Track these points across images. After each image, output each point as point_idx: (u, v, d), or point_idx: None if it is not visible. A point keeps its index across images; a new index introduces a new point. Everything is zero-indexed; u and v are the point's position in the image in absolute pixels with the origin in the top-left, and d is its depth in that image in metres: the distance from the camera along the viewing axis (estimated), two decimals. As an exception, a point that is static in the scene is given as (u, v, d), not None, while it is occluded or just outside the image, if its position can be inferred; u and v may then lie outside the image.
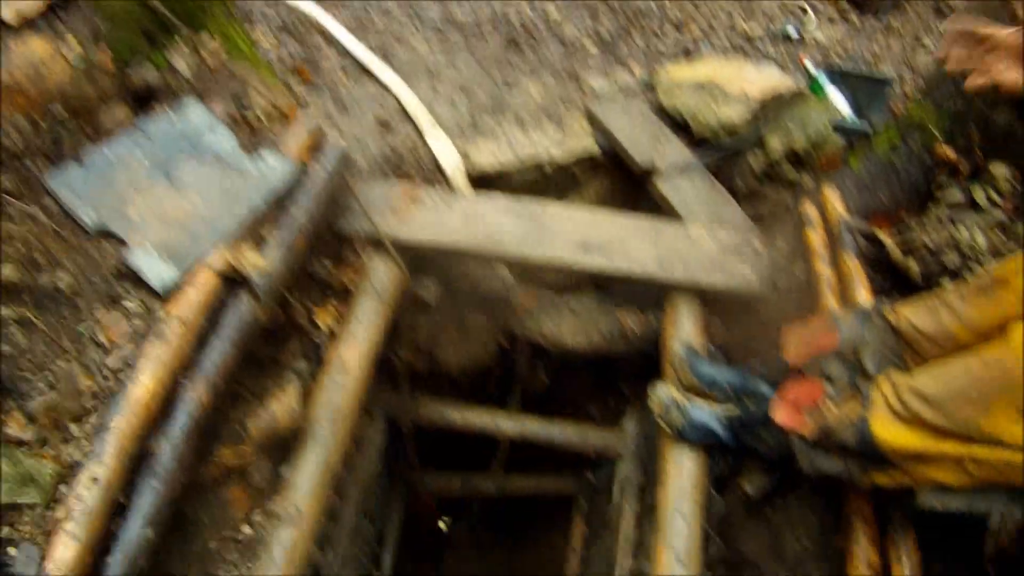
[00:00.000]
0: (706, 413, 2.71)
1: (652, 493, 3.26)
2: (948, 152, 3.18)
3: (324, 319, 3.13)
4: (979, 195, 3.05)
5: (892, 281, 3.13)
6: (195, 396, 2.28)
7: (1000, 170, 3.02)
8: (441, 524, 6.21)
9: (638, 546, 3.46)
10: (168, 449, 2.16)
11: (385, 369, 3.67)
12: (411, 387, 3.84)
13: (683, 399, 2.75)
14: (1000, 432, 1.85)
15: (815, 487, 2.89)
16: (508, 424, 3.92)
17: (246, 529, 2.46)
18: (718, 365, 2.90)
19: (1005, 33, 1.93)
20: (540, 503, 5.76)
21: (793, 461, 2.43)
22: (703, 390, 2.83)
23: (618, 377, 4.33)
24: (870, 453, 2.17)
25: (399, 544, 5.07)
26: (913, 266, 3.00)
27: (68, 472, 2.05)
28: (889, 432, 2.10)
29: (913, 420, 2.04)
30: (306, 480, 2.56)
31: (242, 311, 2.49)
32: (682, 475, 2.71)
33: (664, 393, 2.76)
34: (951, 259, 2.92)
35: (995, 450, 1.90)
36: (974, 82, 1.98)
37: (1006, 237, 2.91)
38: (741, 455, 2.85)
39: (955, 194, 3.11)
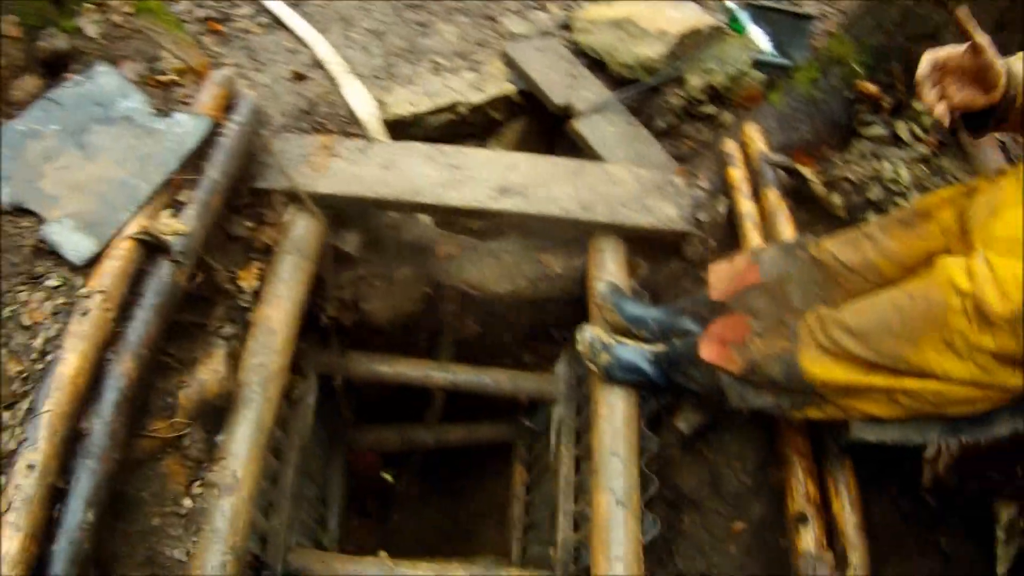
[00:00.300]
0: (634, 352, 2.70)
1: (588, 436, 3.26)
2: (870, 87, 3.19)
3: (248, 280, 3.05)
4: (903, 130, 3.08)
5: (815, 216, 3.14)
6: (122, 370, 2.21)
7: (922, 106, 3.02)
8: (386, 476, 6.12)
9: (579, 489, 3.46)
10: (100, 427, 2.10)
11: (313, 326, 3.59)
12: (340, 343, 3.78)
13: (610, 339, 2.73)
14: (929, 364, 1.85)
15: (750, 423, 2.92)
16: (439, 374, 3.88)
17: (187, 502, 2.41)
18: (644, 304, 2.90)
19: (956, 53, 1.88)
20: (482, 452, 5.70)
21: (724, 398, 2.43)
22: (630, 330, 2.82)
23: (549, 323, 4.30)
24: (800, 387, 2.18)
25: (344, 504, 5.06)
26: (836, 200, 3.02)
27: (4, 462, 1.99)
28: (817, 366, 2.10)
29: (841, 354, 2.04)
30: (241, 445, 2.51)
31: (163, 278, 2.44)
32: (614, 416, 2.71)
33: (591, 334, 2.75)
34: (875, 193, 2.94)
35: (925, 382, 1.90)
36: (937, 112, 1.91)
37: (930, 171, 2.93)
38: (672, 393, 2.85)
39: (878, 129, 3.14)
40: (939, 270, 1.86)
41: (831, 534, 2.48)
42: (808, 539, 2.44)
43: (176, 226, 2.56)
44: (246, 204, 3.20)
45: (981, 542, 2.38)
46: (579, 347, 2.68)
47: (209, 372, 2.55)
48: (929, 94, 1.89)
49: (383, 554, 3.45)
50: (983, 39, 1.79)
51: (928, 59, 1.89)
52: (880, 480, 2.63)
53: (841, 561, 2.40)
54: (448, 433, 5.10)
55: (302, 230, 3.09)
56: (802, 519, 2.47)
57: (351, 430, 4.93)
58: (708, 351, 2.40)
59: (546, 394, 3.87)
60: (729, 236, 3.31)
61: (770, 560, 2.80)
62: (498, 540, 5.10)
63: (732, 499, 3.02)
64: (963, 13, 1.76)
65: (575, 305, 3.20)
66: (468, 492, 6.22)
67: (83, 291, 2.25)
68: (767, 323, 2.32)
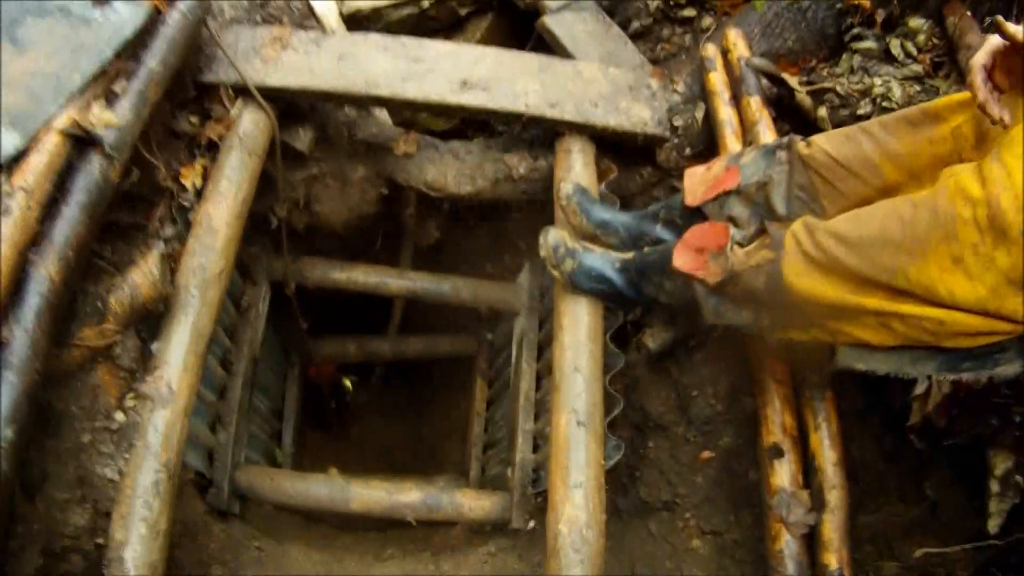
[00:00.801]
0: (600, 259, 2.49)
1: (549, 350, 3.10)
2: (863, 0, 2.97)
3: (191, 178, 2.83)
4: (895, 47, 2.87)
5: (798, 128, 2.96)
6: (46, 273, 1.99)
7: (919, 23, 2.85)
8: (346, 381, 5.98)
9: (539, 408, 3.34)
10: (21, 336, 1.88)
11: (264, 231, 3.43)
12: (293, 248, 3.58)
13: (575, 244, 2.52)
14: (932, 283, 1.62)
15: (725, 343, 2.75)
16: (396, 282, 3.71)
17: (119, 416, 2.23)
18: (612, 208, 2.69)
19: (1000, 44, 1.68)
20: (444, 367, 5.62)
21: (698, 312, 2.23)
22: (596, 235, 2.62)
23: (512, 231, 4.12)
24: (782, 304, 1.95)
25: (301, 418, 4.91)
26: (822, 113, 2.82)
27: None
28: (803, 280, 1.85)
29: (830, 267, 1.79)
30: (177, 354, 2.31)
31: (93, 173, 2.21)
32: (578, 328, 2.51)
33: (554, 238, 2.53)
34: (863, 108, 2.76)
35: (925, 308, 1.67)
36: (992, 111, 1.68)
37: (923, 91, 2.74)
38: (641, 307, 2.66)
39: (869, 43, 2.94)
40: (948, 176, 1.64)
41: (807, 471, 2.33)
42: (783, 474, 2.29)
43: (108, 118, 2.33)
44: (191, 99, 2.97)
45: (971, 491, 2.21)
46: (541, 251, 2.47)
47: (142, 275, 2.33)
48: (982, 88, 1.68)
49: (333, 471, 3.31)
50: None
51: (987, 49, 1.68)
52: (862, 416, 2.48)
53: (817, 500, 2.24)
54: (407, 345, 4.94)
55: (249, 125, 2.86)
56: (777, 452, 2.31)
57: (308, 341, 4.73)
58: (682, 260, 2.19)
59: (508, 305, 3.72)
60: (706, 144, 3.12)
61: (739, 493, 2.68)
62: (460, 458, 4.96)
63: (701, 425, 2.88)
64: (1000, 19, 1.59)
65: (540, 212, 3.01)
66: (431, 408, 6.13)
67: (5, 188, 2.03)
68: (748, 232, 2.11)
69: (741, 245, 2.07)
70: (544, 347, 3.43)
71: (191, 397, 2.33)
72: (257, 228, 3.33)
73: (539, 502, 3.12)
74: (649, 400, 3.03)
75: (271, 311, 3.81)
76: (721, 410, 2.78)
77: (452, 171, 3.29)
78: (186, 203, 2.78)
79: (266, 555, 3.01)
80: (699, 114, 3.13)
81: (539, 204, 3.23)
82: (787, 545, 2.21)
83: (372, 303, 4.95)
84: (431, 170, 3.30)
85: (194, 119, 2.97)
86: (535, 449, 3.24)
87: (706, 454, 2.77)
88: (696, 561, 2.71)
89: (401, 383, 6.26)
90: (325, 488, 3.16)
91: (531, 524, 3.12)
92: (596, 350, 2.47)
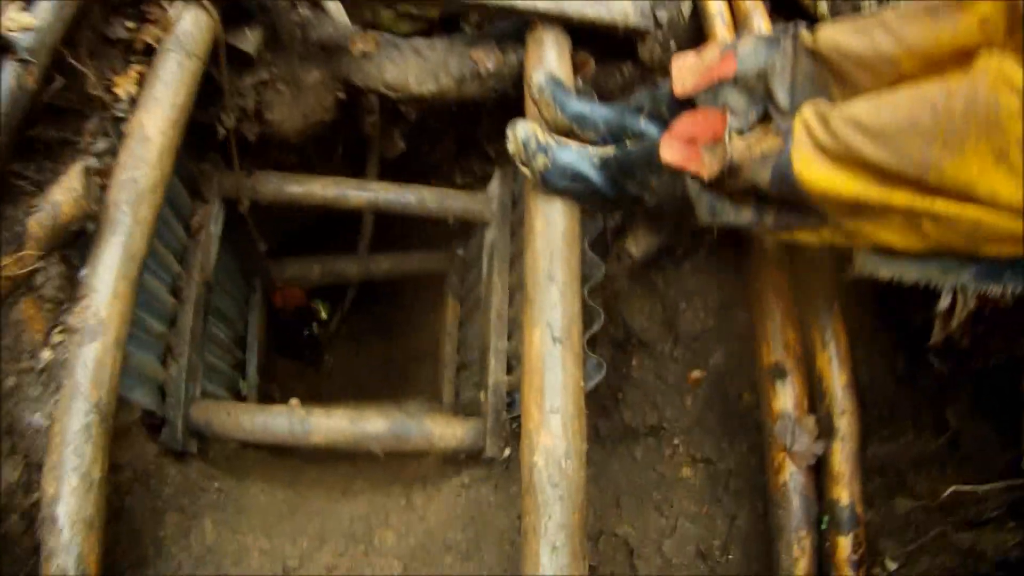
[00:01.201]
0: (577, 155, 2.20)
1: (523, 262, 2.85)
2: None
3: (125, 86, 2.55)
4: (905, -60, 2.58)
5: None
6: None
7: None
8: (320, 307, 5.78)
9: (512, 325, 3.10)
10: None
11: (214, 145, 3.17)
12: (247, 162, 3.30)
13: (548, 138, 2.24)
14: (971, 181, 1.40)
15: (716, 250, 2.48)
16: (358, 193, 3.42)
17: (46, 354, 2.02)
18: (590, 101, 2.39)
19: None
20: (415, 287, 5.41)
21: (690, 212, 1.97)
22: (573, 130, 2.33)
23: (481, 137, 3.84)
24: (792, 199, 1.70)
25: (268, 348, 4.69)
26: (823, 8, 2.53)
27: None
28: (817, 172, 1.60)
29: (849, 158, 1.54)
30: (105, 280, 2.06)
31: (7, 82, 2.01)
32: (552, 233, 2.24)
33: (525, 131, 2.24)
34: (868, 5, 2.46)
35: (963, 206, 1.45)
36: None
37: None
38: (622, 209, 2.39)
39: (876, -65, 2.65)
40: (986, 62, 1.42)
41: (813, 395, 2.08)
42: (785, 398, 2.06)
43: (23, 20, 2.11)
44: (128, 2, 2.68)
45: (999, 421, 1.97)
46: (510, 146, 2.21)
47: (64, 192, 2.11)
48: None
49: (294, 402, 3.08)
50: None
51: None
52: (871, 334, 2.23)
53: (826, 427, 2.00)
54: (375, 264, 4.72)
55: (189, 25, 2.56)
56: (778, 372, 2.07)
57: (268, 264, 4.48)
58: (672, 152, 1.92)
59: (477, 216, 3.46)
60: (693, 39, 2.87)
61: (732, 417, 2.45)
62: (433, 382, 4.74)
63: (690, 342, 2.64)
64: None
65: (510, 114, 2.72)
66: (403, 330, 5.90)
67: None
68: (749, 120, 1.83)
69: (741, 134, 1.79)
70: (517, 260, 3.17)
71: (123, 327, 2.07)
72: (207, 142, 3.12)
73: (515, 428, 2.90)
74: (632, 315, 2.80)
75: (227, 233, 3.53)
76: (712, 325, 2.54)
77: (414, 70, 3.00)
78: (120, 113, 2.51)
79: (226, 497, 2.82)
80: (686, 6, 2.87)
81: (510, 104, 2.95)
82: (791, 477, 1.99)
83: (341, 225, 4.83)
84: (391, 69, 3.01)
85: (131, 24, 2.67)
86: (509, 370, 3.01)
87: (696, 374, 2.54)
88: (687, 492, 2.50)
89: (372, 307, 6.07)
90: (284, 421, 2.91)
91: (507, 452, 2.90)
92: (573, 257, 2.20)
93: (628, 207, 2.33)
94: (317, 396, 5.58)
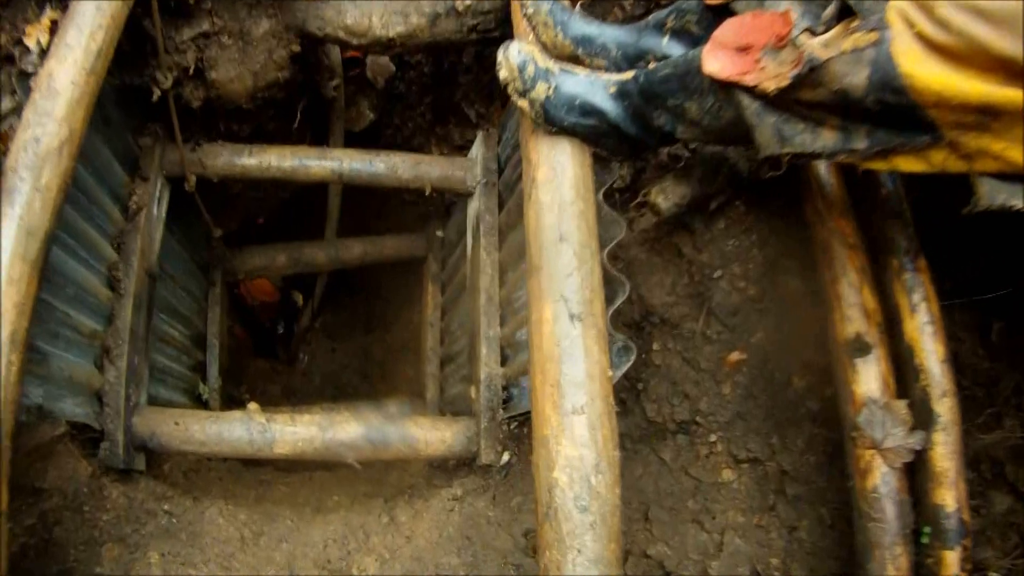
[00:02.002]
0: (586, 83, 1.76)
1: (517, 232, 2.41)
2: None
3: (36, 35, 2.27)
4: None
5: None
6: None
7: None
8: (296, 296, 5.60)
9: (505, 307, 2.69)
10: None
11: (156, 115, 2.83)
12: (192, 133, 2.95)
13: (549, 63, 1.79)
14: None
15: (759, 203, 2.05)
16: (319, 163, 2.98)
17: None
18: (597, 21, 1.92)
19: None
20: (393, 276, 5.05)
21: (747, 139, 1.53)
22: (578, 56, 1.87)
23: (461, 101, 3.41)
24: (893, 113, 1.28)
25: (233, 347, 4.25)
26: None
27: None
28: (930, 72, 1.19)
29: (969, 52, 1.15)
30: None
31: None
32: (560, 181, 1.79)
33: (519, 53, 1.79)
34: None
35: None
36: None
37: None
38: (648, 147, 1.92)
39: None
40: None
41: (901, 375, 1.64)
42: (870, 379, 1.64)
43: None
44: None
45: None
46: (503, 73, 1.80)
47: None
48: None
49: (253, 406, 2.64)
50: None
51: None
52: (955, 298, 1.81)
53: (921, 414, 1.56)
54: (346, 249, 4.26)
55: (110, -38, 2.13)
56: (859, 347, 1.65)
57: (228, 254, 4.03)
58: (720, 63, 1.45)
59: (458, 184, 3.05)
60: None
61: (781, 407, 2.03)
62: (416, 378, 4.36)
63: (726, 318, 2.24)
64: None
65: (492, 69, 2.29)
66: (382, 323, 5.58)
67: None
68: (821, 16, 1.38)
69: (813, 33, 1.34)
70: (507, 233, 2.75)
71: (22, 320, 1.70)
72: (146, 112, 2.80)
73: (513, 428, 2.48)
74: (650, 288, 2.39)
75: (175, 217, 3.18)
76: (753, 294, 2.13)
77: (378, 10, 2.57)
78: (29, 68, 2.25)
79: (178, 522, 2.48)
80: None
81: (493, 52, 2.51)
82: (883, 480, 1.54)
83: (309, 210, 4.42)
84: (351, 12, 2.58)
85: (45, -35, 2.39)
86: (503, 361, 2.61)
87: (734, 356, 2.14)
88: (731, 499, 2.10)
89: (348, 300, 5.75)
90: (242, 430, 2.52)
91: (505, 457, 2.49)
92: (588, 211, 1.76)
93: (654, 146, 1.86)
94: (292, 397, 5.28)
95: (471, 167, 3.00)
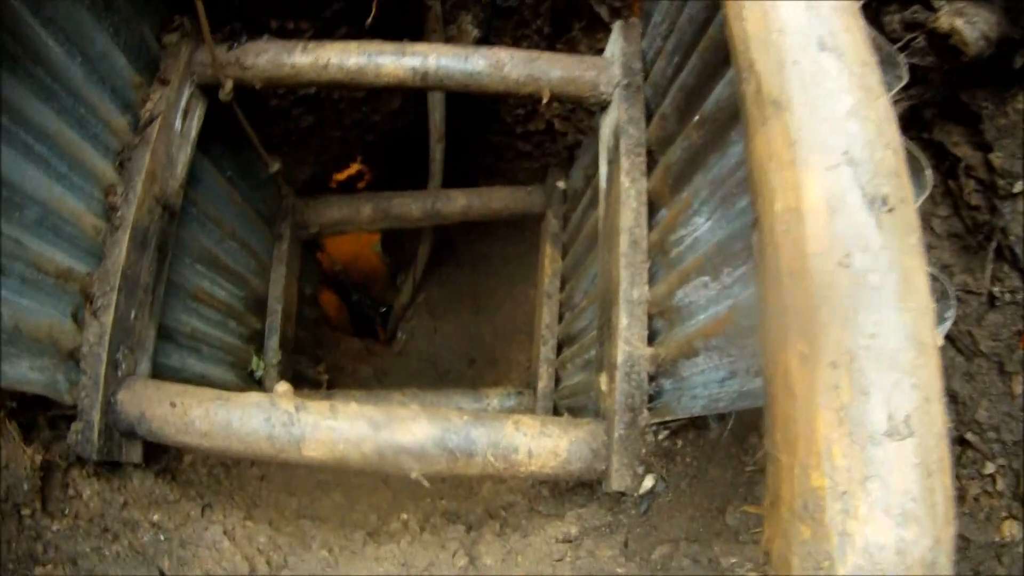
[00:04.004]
0: None
1: (676, 149, 1.62)
2: None
3: None
4: None
5: None
6: None
7: None
8: (376, 250, 5.05)
9: (658, 255, 1.90)
10: None
11: (183, 6, 2.24)
12: (231, 30, 2.32)
13: None
14: None
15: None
16: (397, 61, 2.26)
17: None
18: None
19: None
20: (508, 245, 4.54)
21: None
22: None
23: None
24: None
25: (294, 317, 3.52)
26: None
27: None
28: None
29: None
30: None
31: None
32: None
33: None
34: None
35: None
36: None
37: None
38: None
39: None
40: None
41: None
42: None
43: None
44: None
45: None
46: None
47: None
48: None
49: (281, 388, 1.86)
50: None
51: None
52: None
53: None
54: (446, 202, 3.51)
55: None
56: None
57: (301, 204, 3.41)
58: None
59: (587, 89, 2.26)
60: None
61: None
62: (527, 365, 3.76)
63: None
64: None
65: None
66: (492, 300, 4.96)
67: None
68: None
69: None
70: (660, 149, 1.99)
71: None
72: (174, 3, 2.28)
73: (663, 441, 1.62)
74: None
75: (229, 151, 2.73)
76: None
77: None
78: None
79: (165, 540, 1.81)
80: None
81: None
82: None
83: (407, 165, 3.84)
84: None
85: None
86: (651, 338, 1.78)
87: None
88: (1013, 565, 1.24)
89: (455, 275, 5.14)
90: (260, 419, 1.78)
91: (648, 482, 1.63)
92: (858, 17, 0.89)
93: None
94: (385, 380, 4.64)
95: (606, 67, 2.20)
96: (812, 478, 0.70)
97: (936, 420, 0.68)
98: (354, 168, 4.51)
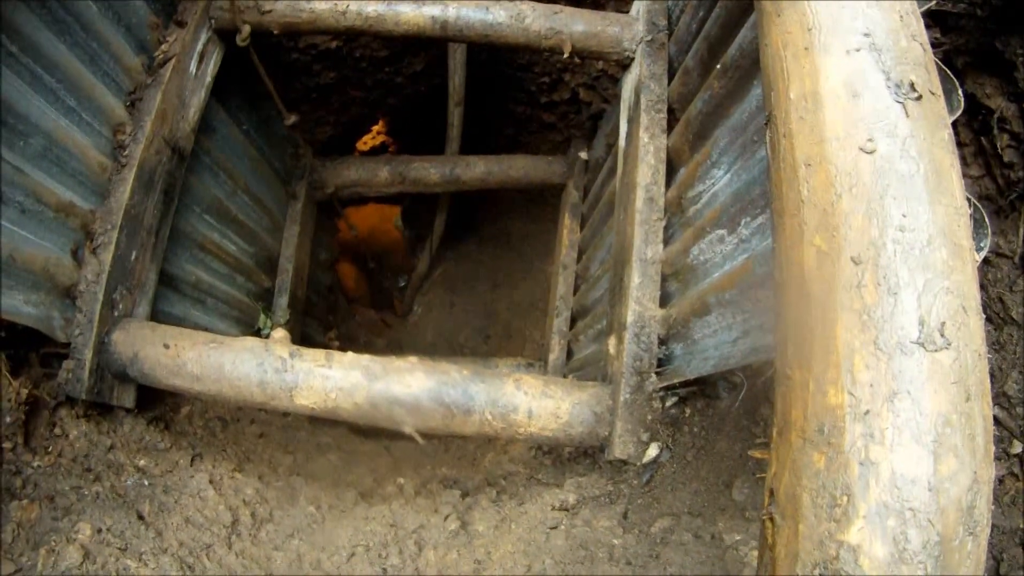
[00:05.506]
0: None
1: (698, 103, 1.55)
2: None
3: None
4: None
5: None
6: None
7: None
8: (398, 223, 4.95)
9: (675, 212, 1.82)
10: None
11: None
12: None
13: None
14: None
15: None
16: (416, 9, 2.26)
17: None
18: None
19: None
20: (528, 220, 4.48)
21: None
22: None
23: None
24: None
25: (321, 286, 3.60)
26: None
27: None
28: None
29: None
30: None
31: None
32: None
33: None
34: None
35: None
36: None
37: None
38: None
39: None
40: None
41: None
42: None
43: None
44: None
45: None
46: None
47: None
48: None
49: (279, 334, 1.79)
50: None
51: None
52: None
53: None
54: (465, 168, 3.42)
55: None
56: None
57: (319, 164, 3.35)
58: None
59: (610, 45, 2.19)
60: None
61: None
62: (542, 340, 3.69)
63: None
64: None
65: None
66: (511, 277, 4.91)
67: None
68: None
69: None
70: (682, 106, 1.93)
71: None
72: None
73: (671, 407, 1.54)
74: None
75: (247, 104, 2.68)
76: None
77: None
78: None
79: (149, 485, 1.76)
80: None
81: None
82: None
83: (429, 131, 3.74)
84: None
85: None
86: (664, 300, 1.72)
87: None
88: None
89: (473, 248, 5.10)
90: (252, 363, 1.73)
91: (653, 451, 1.56)
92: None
93: None
94: (398, 352, 4.51)
95: (630, 24, 2.14)
96: (829, 395, 0.61)
97: (976, 335, 0.60)
98: (379, 139, 4.44)
